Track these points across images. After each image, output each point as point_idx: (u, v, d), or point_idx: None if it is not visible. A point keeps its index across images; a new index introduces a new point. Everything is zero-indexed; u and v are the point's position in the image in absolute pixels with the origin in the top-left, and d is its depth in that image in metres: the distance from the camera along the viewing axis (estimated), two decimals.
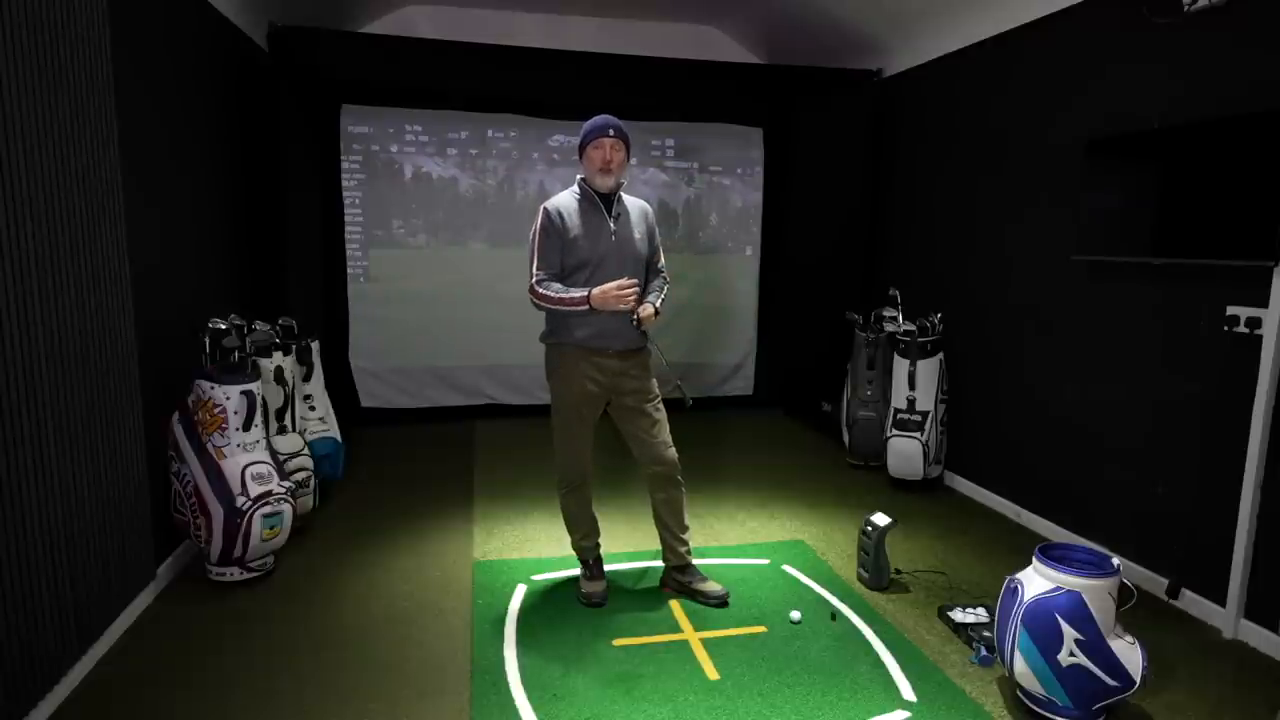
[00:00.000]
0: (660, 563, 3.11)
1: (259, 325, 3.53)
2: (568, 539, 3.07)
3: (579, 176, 2.86)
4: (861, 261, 5.33)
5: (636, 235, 2.86)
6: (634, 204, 2.92)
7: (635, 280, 2.74)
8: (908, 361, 4.27)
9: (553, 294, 2.73)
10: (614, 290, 2.67)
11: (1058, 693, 2.21)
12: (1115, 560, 2.27)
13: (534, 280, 2.76)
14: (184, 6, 3.43)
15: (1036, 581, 2.26)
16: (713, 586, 2.99)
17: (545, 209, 2.79)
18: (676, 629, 2.80)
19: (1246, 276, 2.77)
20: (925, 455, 4.23)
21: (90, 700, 2.32)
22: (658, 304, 2.86)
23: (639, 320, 2.77)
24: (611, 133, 2.75)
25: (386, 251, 5.58)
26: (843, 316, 5.05)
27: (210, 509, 2.91)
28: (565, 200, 2.82)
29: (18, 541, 2.10)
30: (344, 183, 5.40)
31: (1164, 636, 2.79)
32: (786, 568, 3.32)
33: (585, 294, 2.69)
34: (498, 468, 4.62)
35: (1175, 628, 2.91)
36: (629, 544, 3.52)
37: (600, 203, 2.81)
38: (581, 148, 2.81)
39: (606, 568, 3.11)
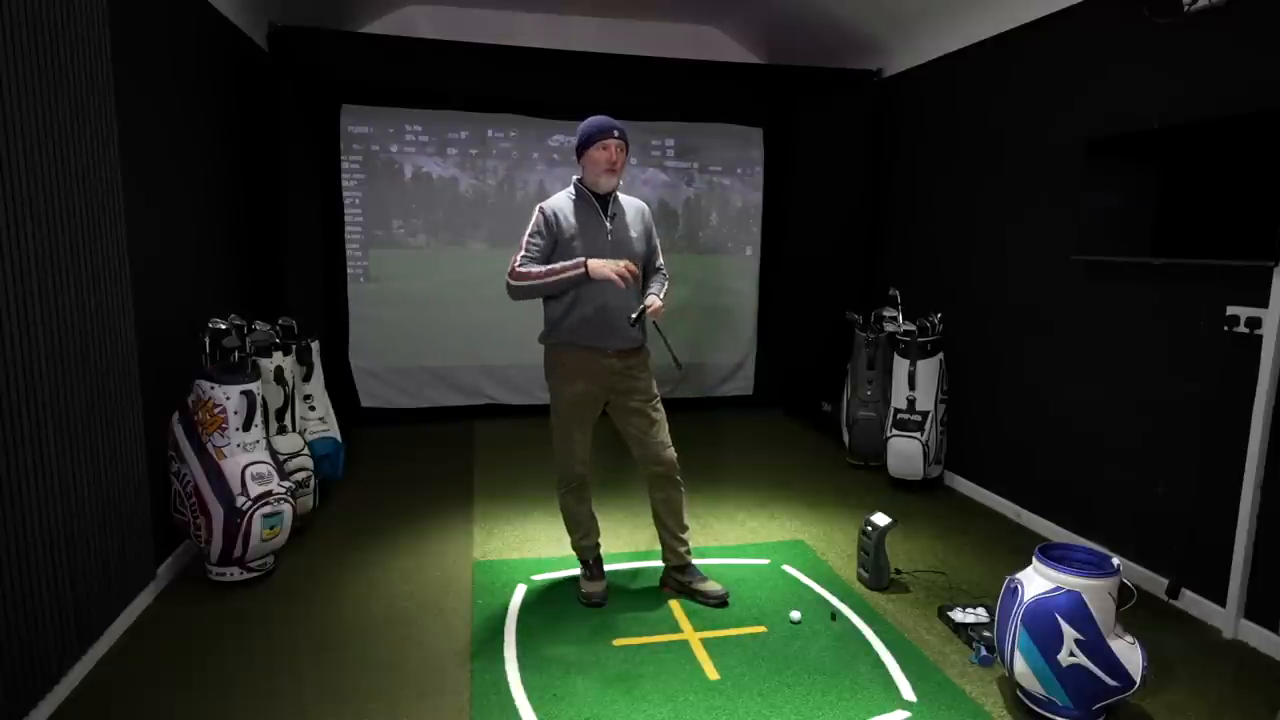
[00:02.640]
0: (660, 563, 3.11)
1: (259, 325, 3.53)
2: (567, 539, 3.07)
3: (575, 178, 2.85)
4: (861, 261, 5.33)
5: (633, 235, 2.86)
6: (630, 203, 2.91)
7: (633, 265, 2.72)
8: (908, 361, 4.27)
9: (536, 269, 2.69)
10: (612, 265, 2.65)
11: (1058, 693, 2.21)
12: (1115, 560, 2.27)
13: (515, 264, 2.71)
14: (184, 6, 3.43)
15: (1036, 581, 2.26)
16: (713, 586, 2.99)
17: (541, 209, 2.77)
18: (676, 629, 2.80)
19: (1246, 276, 2.77)
20: (925, 455, 4.23)
21: (90, 700, 2.32)
22: (660, 294, 2.84)
23: (642, 312, 2.75)
24: (616, 134, 2.74)
25: (386, 251, 5.58)
26: (843, 316, 5.05)
27: (210, 509, 2.91)
28: (560, 201, 2.80)
29: (18, 541, 2.10)
30: (344, 183, 5.41)
31: (1164, 636, 2.79)
32: (786, 568, 3.32)
33: (581, 260, 2.66)
34: (498, 468, 4.62)
35: (1175, 628, 2.91)
36: (629, 544, 3.52)
37: (596, 203, 2.81)
38: (581, 149, 2.78)
39: (606, 568, 3.11)
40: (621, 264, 2.66)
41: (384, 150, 5.46)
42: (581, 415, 2.86)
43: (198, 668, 2.50)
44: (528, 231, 2.76)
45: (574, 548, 3.07)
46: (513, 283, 2.72)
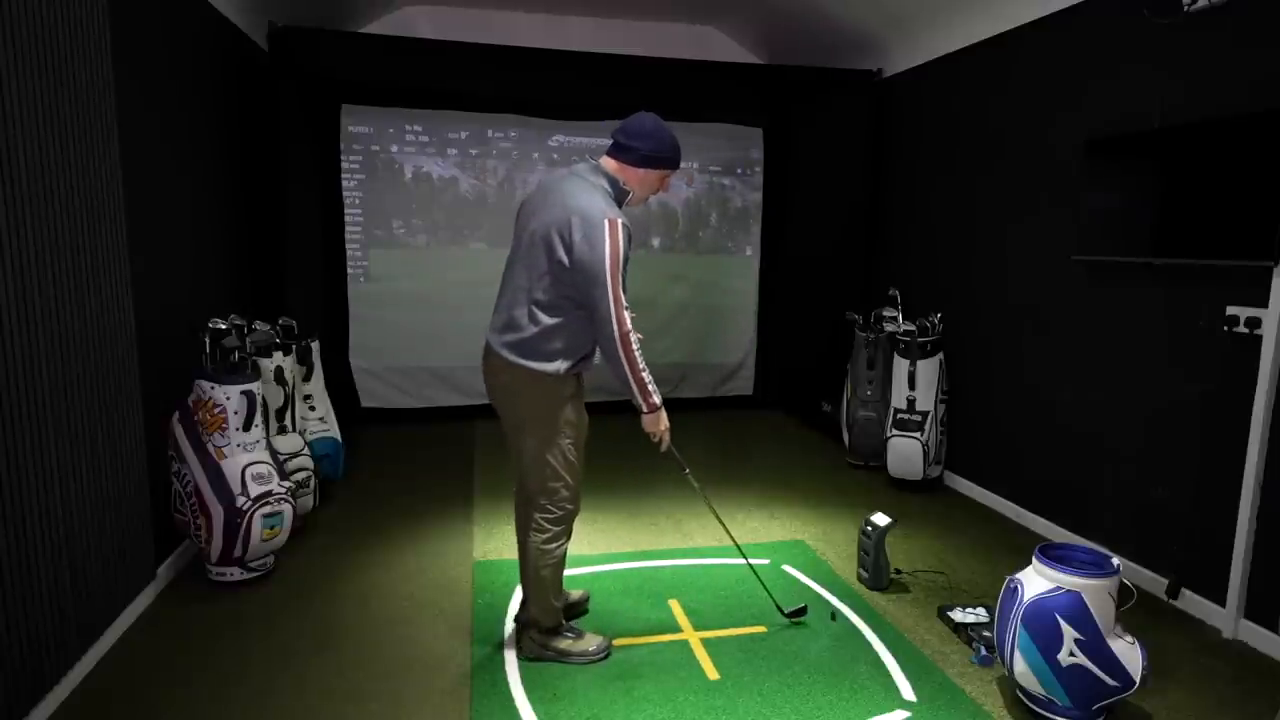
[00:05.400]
0: (659, 563, 3.09)
1: (259, 325, 3.53)
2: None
3: (610, 174, 2.42)
4: (861, 261, 5.33)
5: None
6: None
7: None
8: (908, 361, 4.27)
9: (643, 370, 2.34)
10: (663, 431, 2.48)
11: (1058, 692, 2.21)
12: (1115, 560, 2.27)
13: (629, 322, 2.29)
14: (184, 6, 3.43)
15: (1036, 581, 2.26)
16: (576, 593, 2.86)
17: (625, 225, 2.29)
18: (676, 629, 2.80)
19: (1246, 276, 2.77)
20: (925, 455, 4.23)
21: (90, 700, 2.32)
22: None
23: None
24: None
25: (386, 251, 5.58)
26: (843, 316, 5.05)
27: (210, 509, 2.91)
28: (620, 212, 2.36)
29: (18, 542, 2.10)
30: (344, 183, 5.40)
31: (1164, 636, 2.79)
32: (786, 568, 3.32)
33: (659, 405, 2.41)
34: (498, 468, 4.61)
35: (1175, 628, 2.91)
36: (629, 544, 3.51)
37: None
38: (654, 162, 2.42)
39: (607, 567, 3.09)
40: (665, 428, 2.49)
41: (384, 150, 5.46)
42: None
43: (198, 668, 2.50)
44: (620, 260, 2.27)
45: (556, 619, 2.57)
46: (621, 351, 2.29)
